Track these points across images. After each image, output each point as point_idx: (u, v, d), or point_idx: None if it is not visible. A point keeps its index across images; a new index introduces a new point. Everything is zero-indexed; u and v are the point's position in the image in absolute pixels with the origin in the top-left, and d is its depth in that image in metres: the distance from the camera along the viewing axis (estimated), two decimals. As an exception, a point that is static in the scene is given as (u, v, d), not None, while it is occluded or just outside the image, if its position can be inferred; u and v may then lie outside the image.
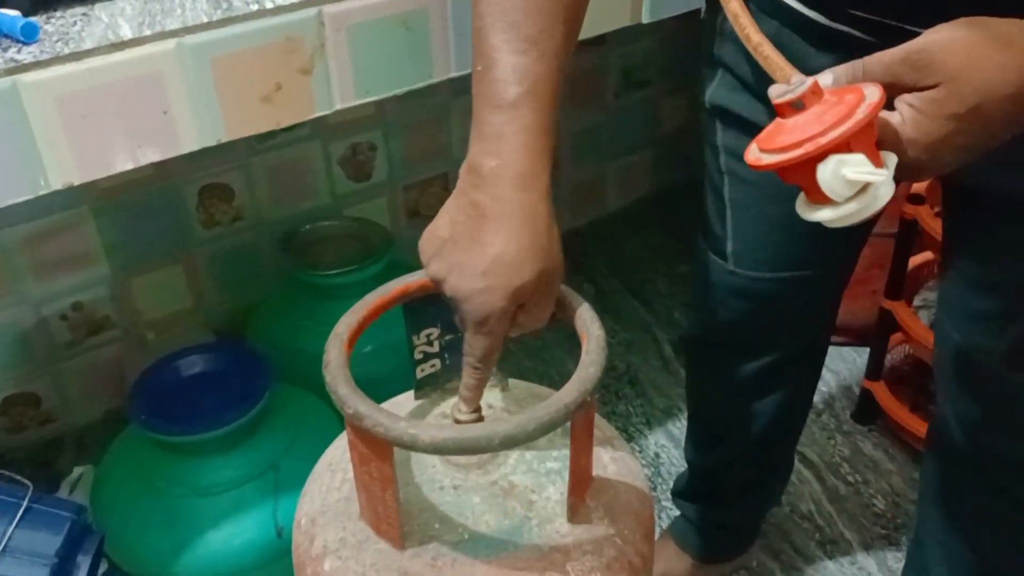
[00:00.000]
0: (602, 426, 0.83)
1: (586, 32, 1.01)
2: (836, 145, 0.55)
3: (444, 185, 1.82)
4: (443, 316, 0.81)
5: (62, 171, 0.75)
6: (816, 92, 0.57)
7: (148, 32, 0.75)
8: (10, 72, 0.70)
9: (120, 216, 1.45)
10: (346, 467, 0.78)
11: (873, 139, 0.56)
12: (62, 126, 0.73)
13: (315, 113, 0.86)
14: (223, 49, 0.78)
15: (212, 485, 1.07)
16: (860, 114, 0.54)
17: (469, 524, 0.70)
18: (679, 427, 1.57)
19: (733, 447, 1.16)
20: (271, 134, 1.54)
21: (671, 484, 1.44)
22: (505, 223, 0.65)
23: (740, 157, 0.93)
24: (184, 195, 1.51)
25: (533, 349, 1.73)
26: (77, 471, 1.35)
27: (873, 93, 0.56)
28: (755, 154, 0.59)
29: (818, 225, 0.95)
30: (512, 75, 0.66)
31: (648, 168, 2.17)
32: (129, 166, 0.78)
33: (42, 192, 0.75)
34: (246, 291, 1.61)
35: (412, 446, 0.62)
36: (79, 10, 0.80)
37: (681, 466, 1.49)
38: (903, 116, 0.56)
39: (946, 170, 0.58)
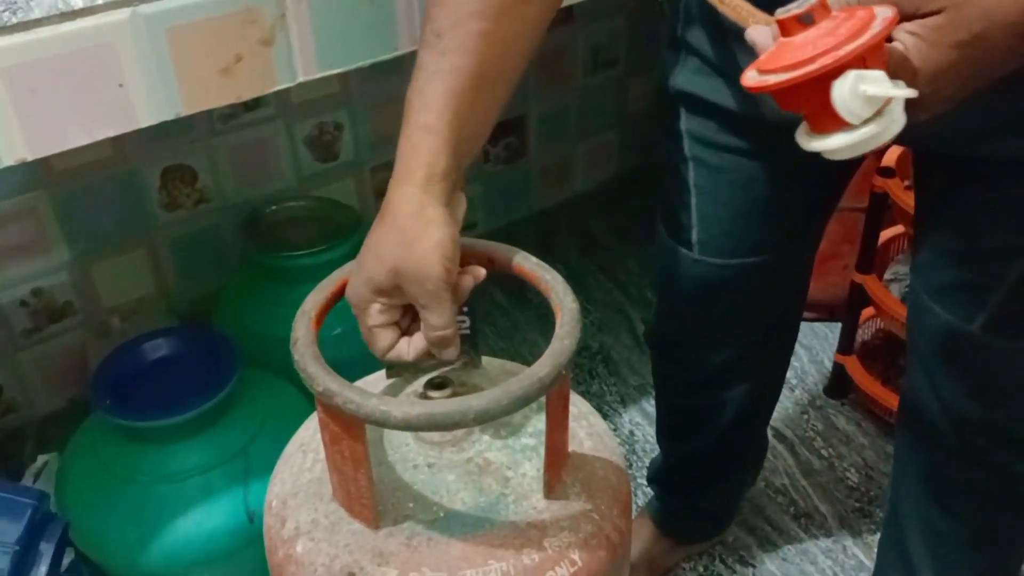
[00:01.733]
0: (577, 402, 0.82)
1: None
2: (854, 59, 0.50)
3: (412, 166, 1.79)
4: (413, 292, 0.79)
5: (12, 147, 0.72)
6: (825, 7, 0.54)
7: (100, 1, 0.72)
8: (-45, 42, 0.67)
9: (79, 200, 1.42)
10: (317, 448, 0.76)
11: (885, 61, 0.53)
12: (11, 100, 0.70)
13: (277, 86, 0.84)
14: (180, 19, 0.75)
15: (180, 472, 1.05)
16: (877, 27, 0.51)
17: (444, 502, 0.69)
18: (653, 405, 1.56)
19: (705, 435, 1.15)
20: (234, 114, 1.51)
21: (646, 462, 1.44)
22: (380, 214, 0.68)
23: (705, 142, 0.92)
24: (145, 178, 1.47)
25: (504, 330, 1.72)
26: (41, 459, 1.32)
27: (885, 9, 0.53)
28: (755, 78, 0.55)
29: (786, 207, 0.94)
30: (415, 70, 0.67)
31: (617, 148, 2.16)
32: (83, 141, 0.75)
33: (-7, 168, 0.72)
34: (211, 275, 1.58)
35: (384, 423, 0.60)
36: (28, -21, 0.77)
37: (656, 444, 1.49)
38: (904, 45, 0.53)
39: (944, 107, 0.56)
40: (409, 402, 0.61)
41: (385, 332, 0.70)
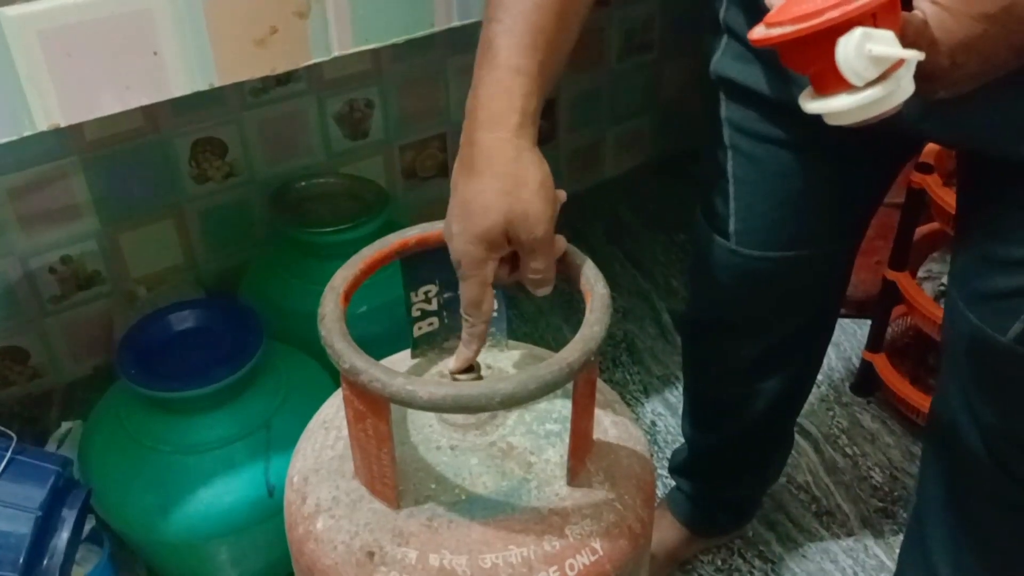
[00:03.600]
0: (603, 390, 0.81)
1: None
2: (862, 15, 0.47)
3: (441, 146, 1.78)
4: (441, 273, 0.78)
5: (46, 112, 0.71)
6: None
7: (138, -33, 0.72)
8: (-8, 4, 0.67)
9: (110, 169, 1.42)
10: (340, 425, 0.75)
11: (899, 24, 0.50)
12: (46, 64, 0.70)
13: (311, 59, 0.83)
14: (217, -12, 0.75)
15: (202, 443, 1.05)
16: None
17: (466, 485, 0.68)
18: (676, 395, 1.55)
19: (732, 427, 1.14)
20: (265, 88, 1.50)
21: (668, 453, 1.42)
22: (471, 165, 0.64)
23: (745, 131, 0.90)
24: (176, 149, 1.47)
25: (528, 314, 1.71)
26: (65, 426, 1.33)
27: None
28: (761, 32, 0.52)
29: (826, 201, 0.91)
30: (493, 11, 0.65)
31: (648, 134, 2.14)
32: (117, 109, 0.75)
33: (26, 133, 0.72)
34: (238, 248, 1.58)
35: (410, 403, 0.60)
36: (66, -57, 0.76)
37: (678, 435, 1.48)
38: (925, 13, 0.50)
39: (969, 84, 0.52)
40: (435, 383, 0.60)
41: (491, 292, 0.67)
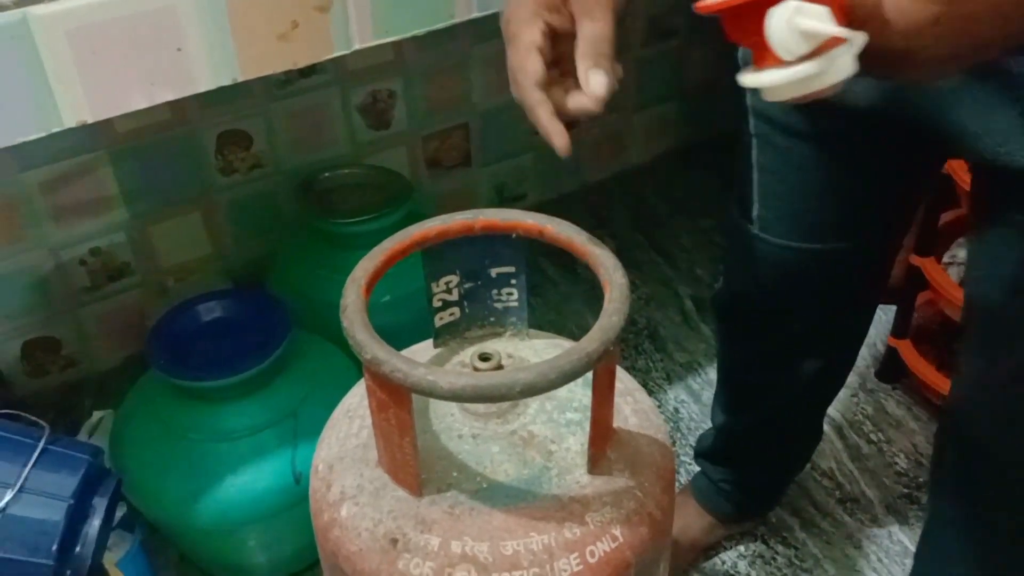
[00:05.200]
0: (623, 378, 0.82)
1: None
2: None
3: (465, 135, 1.79)
4: (463, 263, 0.79)
5: (75, 109, 0.73)
6: None
7: (162, -35, 0.73)
8: (20, 4, 0.68)
9: (138, 161, 1.44)
10: (364, 414, 0.77)
11: (843, 3, 0.48)
12: (74, 61, 0.71)
13: (333, 53, 0.84)
14: (239, -16, 0.76)
15: (231, 431, 1.07)
16: None
17: (487, 473, 0.69)
18: (699, 383, 1.56)
19: (761, 412, 1.14)
20: (290, 80, 1.52)
21: (691, 440, 1.43)
22: None
23: (768, 120, 0.90)
24: (202, 141, 1.49)
25: (553, 302, 1.72)
26: (97, 415, 1.35)
27: None
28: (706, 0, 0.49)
29: (848, 196, 0.91)
30: None
31: (673, 121, 2.13)
32: (143, 105, 0.77)
33: (55, 130, 0.73)
34: (265, 239, 1.60)
35: (431, 392, 0.61)
36: (92, -58, 0.78)
37: (701, 422, 1.48)
38: None
39: (931, 71, 0.50)
40: (456, 373, 0.61)
41: (538, 57, 0.62)
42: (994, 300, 0.80)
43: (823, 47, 0.47)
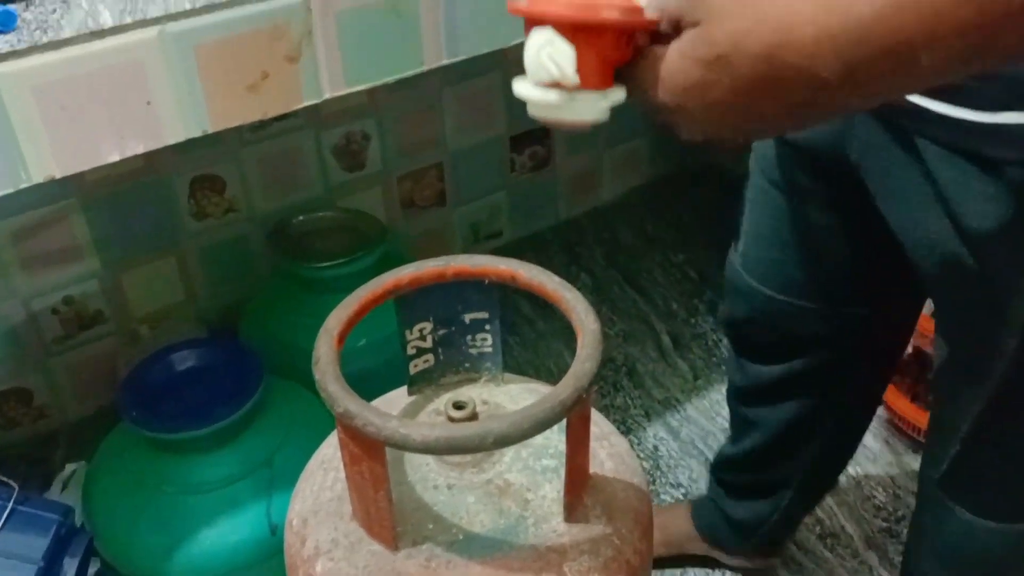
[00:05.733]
0: (599, 421, 0.81)
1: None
2: (552, 18, 0.48)
3: (439, 175, 1.80)
4: (436, 310, 0.79)
5: (42, 164, 0.73)
6: None
7: (129, 19, 0.73)
8: (-13, 62, 0.68)
9: (110, 209, 1.43)
10: (338, 465, 0.76)
11: (611, 55, 0.50)
12: (41, 118, 0.71)
13: (303, 102, 0.84)
14: (207, 37, 0.76)
15: (204, 482, 1.05)
16: (592, 14, 0.48)
17: (463, 524, 0.69)
18: (678, 419, 1.56)
19: (747, 442, 1.13)
20: (263, 124, 1.52)
21: (671, 478, 1.43)
22: None
23: (757, 159, 0.91)
24: (175, 187, 1.49)
25: (529, 340, 1.72)
26: (69, 467, 1.34)
27: (637, 14, 0.49)
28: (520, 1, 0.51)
29: (817, 254, 0.90)
30: None
31: (644, 156, 2.15)
32: (112, 159, 0.76)
33: (23, 185, 0.73)
34: (239, 284, 1.59)
35: (404, 446, 0.60)
36: (59, -2, 0.78)
37: (680, 459, 1.48)
38: (663, 51, 0.48)
39: (705, 130, 0.50)
40: (428, 425, 0.60)
41: None
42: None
43: (569, 85, 0.49)
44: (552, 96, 0.50)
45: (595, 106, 0.51)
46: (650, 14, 0.49)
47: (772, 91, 0.45)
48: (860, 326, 0.95)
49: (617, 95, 0.51)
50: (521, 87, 0.51)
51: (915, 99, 0.65)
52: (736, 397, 1.14)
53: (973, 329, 0.75)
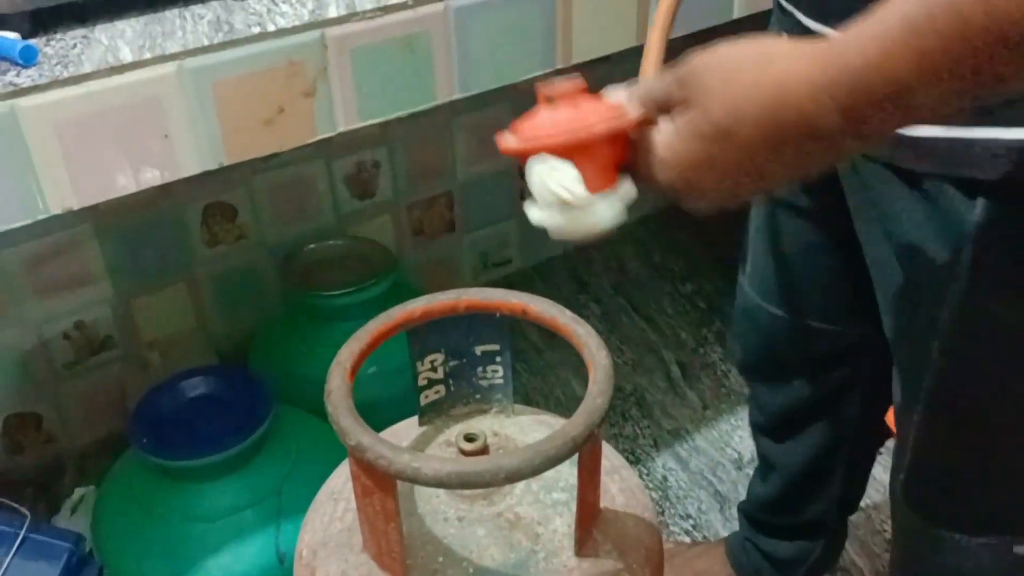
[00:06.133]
0: (609, 455, 0.82)
1: (591, 53, 1.01)
2: (548, 149, 0.53)
3: (449, 203, 1.81)
4: (447, 342, 0.80)
5: (60, 196, 0.74)
6: (571, 95, 0.54)
7: (148, 55, 0.74)
8: (8, 96, 0.69)
9: (123, 235, 1.44)
10: (348, 496, 0.76)
11: (611, 157, 0.54)
12: (60, 151, 0.72)
13: (317, 136, 0.85)
14: (224, 72, 0.77)
15: (213, 511, 1.06)
16: (581, 132, 0.53)
17: (474, 558, 0.69)
18: (687, 449, 1.55)
19: (771, 478, 1.13)
20: (275, 153, 1.53)
21: (679, 509, 1.42)
22: None
23: None
24: (187, 214, 1.50)
25: (538, 369, 1.72)
26: (78, 492, 1.34)
27: (621, 117, 0.53)
28: (510, 139, 0.56)
29: (825, 275, 0.92)
30: None
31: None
32: (129, 190, 0.77)
33: (40, 217, 0.74)
34: (249, 311, 1.60)
35: (415, 480, 0.61)
36: (79, 32, 0.79)
37: (689, 491, 1.47)
38: (660, 135, 0.51)
39: (716, 200, 0.53)
40: (440, 460, 0.61)
41: None
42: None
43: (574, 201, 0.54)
44: (570, 214, 0.54)
45: (611, 208, 0.55)
46: (635, 110, 0.53)
47: (776, 150, 0.47)
48: (866, 345, 0.95)
49: (627, 190, 0.55)
50: (538, 215, 0.56)
51: None
52: (760, 433, 1.13)
53: (909, 336, 0.76)
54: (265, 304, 1.60)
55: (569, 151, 0.53)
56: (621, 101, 0.55)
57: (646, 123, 0.53)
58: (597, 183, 0.54)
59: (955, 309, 0.68)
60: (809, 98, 0.44)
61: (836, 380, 1.01)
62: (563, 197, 0.53)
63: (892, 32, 0.42)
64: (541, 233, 0.59)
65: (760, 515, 1.21)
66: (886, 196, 0.69)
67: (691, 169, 0.50)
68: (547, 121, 0.54)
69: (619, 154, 0.54)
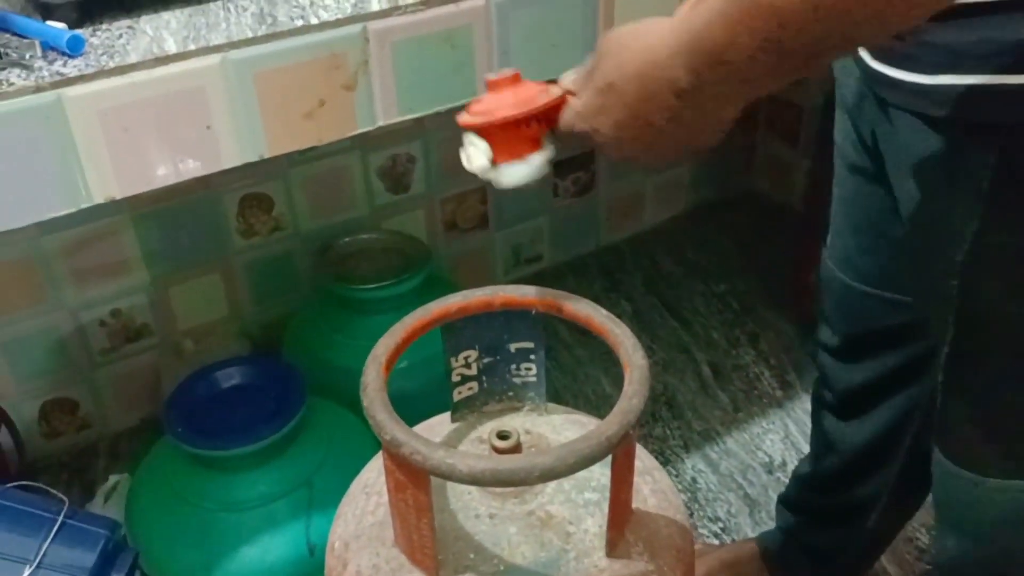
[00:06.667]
0: (642, 456, 0.81)
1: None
2: (465, 127, 0.68)
3: (482, 198, 1.81)
4: (482, 338, 0.80)
5: (104, 185, 0.74)
6: (508, 82, 0.67)
7: (193, 46, 0.75)
8: (55, 86, 0.70)
9: (160, 224, 1.46)
10: (381, 490, 0.76)
11: (523, 134, 0.66)
12: (105, 140, 0.73)
13: (357, 129, 0.85)
14: (267, 64, 0.78)
15: (245, 501, 1.06)
16: (489, 117, 0.66)
17: (505, 555, 0.69)
18: (717, 451, 1.54)
19: (826, 463, 1.12)
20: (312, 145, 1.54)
21: (708, 511, 1.41)
22: None
23: (841, 154, 0.94)
24: (224, 204, 1.51)
25: (567, 366, 1.71)
26: (113, 479, 1.35)
27: (541, 98, 0.66)
28: (466, 117, 0.69)
29: (900, 241, 0.91)
30: None
31: (687, 184, 2.14)
32: (171, 181, 0.78)
33: (83, 206, 0.74)
34: (283, 302, 1.61)
35: (450, 476, 0.61)
36: (124, 23, 0.80)
37: (719, 493, 1.46)
38: (575, 97, 0.65)
39: (621, 147, 0.63)
40: (475, 456, 0.61)
41: None
42: None
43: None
44: (486, 176, 0.69)
45: (513, 175, 0.68)
46: (559, 90, 0.67)
47: (651, 102, 0.58)
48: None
49: (537, 158, 0.68)
50: (467, 165, 0.69)
51: (877, 65, 0.72)
52: (825, 410, 1.11)
53: (930, 279, 0.78)
54: (298, 295, 1.61)
55: (481, 131, 0.67)
56: (562, 82, 0.68)
57: (571, 93, 0.66)
58: (503, 155, 0.67)
59: (970, 245, 0.71)
60: (666, 58, 0.56)
61: (911, 355, 0.99)
62: (467, 167, 0.68)
63: (716, 4, 0.52)
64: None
65: (807, 494, 1.19)
66: (914, 143, 0.72)
67: (592, 116, 0.63)
68: (487, 103, 0.67)
69: (534, 131, 0.67)
